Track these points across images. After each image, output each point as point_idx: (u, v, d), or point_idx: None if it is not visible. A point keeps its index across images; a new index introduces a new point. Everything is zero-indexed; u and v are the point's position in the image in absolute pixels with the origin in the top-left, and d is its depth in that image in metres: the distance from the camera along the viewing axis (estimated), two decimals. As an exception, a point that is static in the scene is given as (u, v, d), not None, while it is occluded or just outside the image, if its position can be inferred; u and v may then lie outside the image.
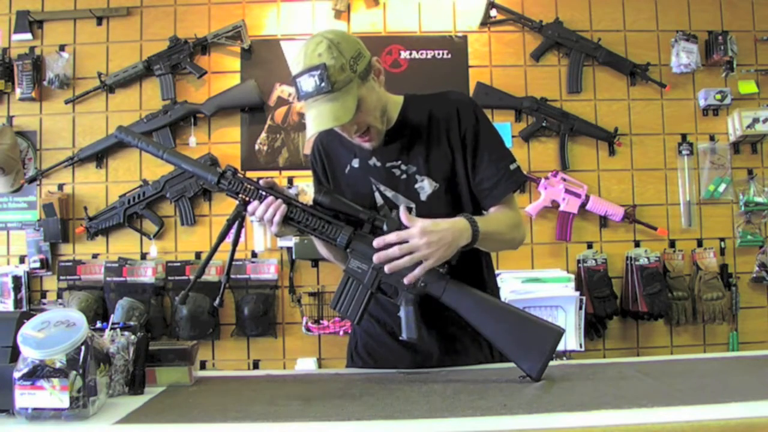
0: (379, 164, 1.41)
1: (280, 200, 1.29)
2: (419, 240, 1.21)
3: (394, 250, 1.22)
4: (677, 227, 2.92)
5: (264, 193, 1.30)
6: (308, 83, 1.24)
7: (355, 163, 1.44)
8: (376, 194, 1.41)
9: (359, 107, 1.28)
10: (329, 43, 1.24)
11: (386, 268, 1.24)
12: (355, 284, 1.31)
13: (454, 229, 1.24)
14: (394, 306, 1.31)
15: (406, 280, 1.24)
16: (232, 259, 1.32)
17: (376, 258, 1.24)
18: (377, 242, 1.24)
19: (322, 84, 1.23)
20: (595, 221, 2.91)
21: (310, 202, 1.33)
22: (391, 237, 1.23)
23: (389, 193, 1.41)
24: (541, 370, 1.20)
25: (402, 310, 1.29)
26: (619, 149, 2.93)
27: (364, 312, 1.31)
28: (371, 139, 1.36)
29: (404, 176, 1.40)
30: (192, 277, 1.30)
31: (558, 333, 1.24)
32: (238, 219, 1.31)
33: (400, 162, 1.40)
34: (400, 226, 1.26)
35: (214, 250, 1.31)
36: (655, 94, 2.96)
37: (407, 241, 1.22)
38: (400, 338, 1.31)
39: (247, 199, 1.30)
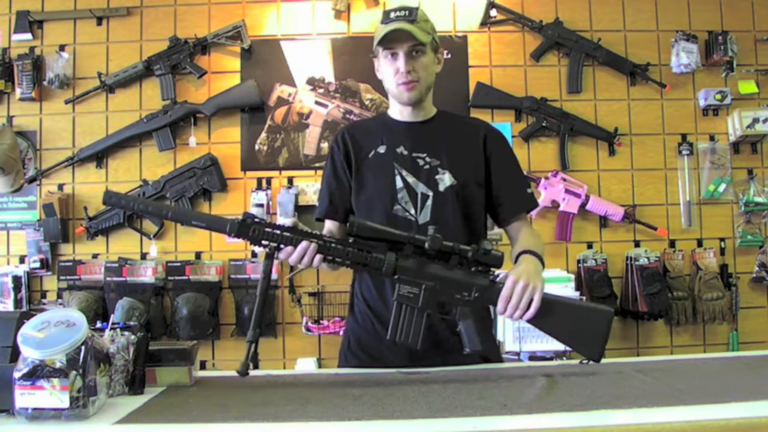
0: (406, 152, 1.51)
1: (314, 245, 1.25)
2: (523, 281, 1.28)
3: (513, 301, 1.27)
4: (677, 227, 2.92)
5: (289, 234, 1.24)
6: (398, 11, 1.43)
7: (382, 149, 1.52)
8: (397, 177, 1.49)
9: (422, 60, 1.45)
10: (422, 10, 1.46)
11: (515, 317, 1.28)
12: (409, 310, 1.29)
13: (532, 262, 1.36)
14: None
15: (530, 313, 1.27)
16: (262, 309, 1.24)
17: (509, 314, 1.28)
18: (502, 308, 1.28)
19: (412, 16, 1.42)
20: (595, 221, 2.91)
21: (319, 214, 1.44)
22: (505, 292, 1.27)
23: (410, 179, 1.49)
24: (600, 352, 1.26)
25: (461, 325, 1.29)
26: (619, 149, 2.93)
27: (422, 334, 1.29)
28: (414, 88, 1.46)
29: (427, 167, 1.49)
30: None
31: (609, 313, 1.30)
32: (270, 268, 1.25)
33: (425, 154, 1.50)
34: (436, 241, 1.26)
35: (260, 307, 1.24)
36: (655, 94, 2.96)
37: (514, 289, 1.27)
38: (464, 352, 1.30)
39: (270, 244, 1.24)
